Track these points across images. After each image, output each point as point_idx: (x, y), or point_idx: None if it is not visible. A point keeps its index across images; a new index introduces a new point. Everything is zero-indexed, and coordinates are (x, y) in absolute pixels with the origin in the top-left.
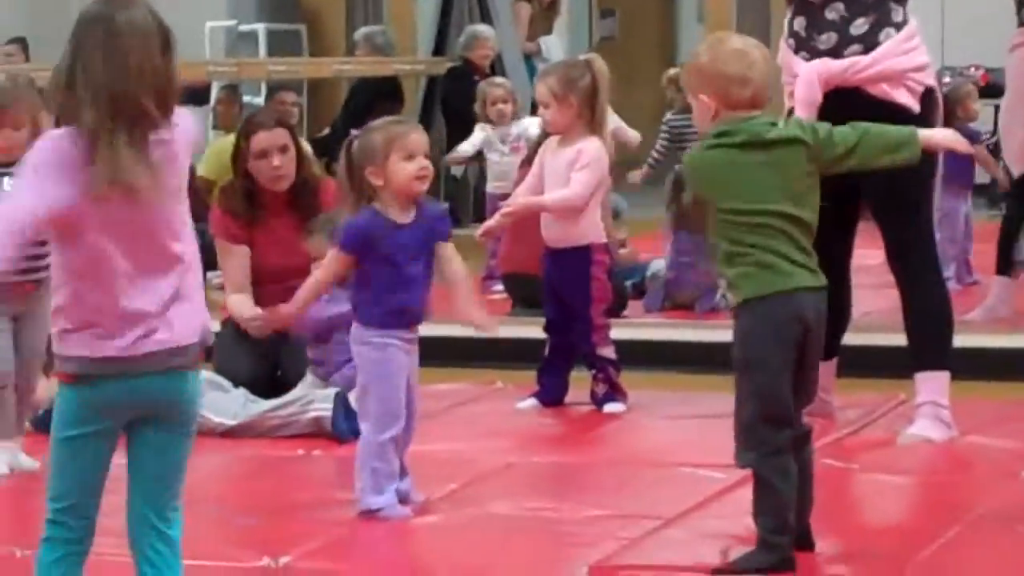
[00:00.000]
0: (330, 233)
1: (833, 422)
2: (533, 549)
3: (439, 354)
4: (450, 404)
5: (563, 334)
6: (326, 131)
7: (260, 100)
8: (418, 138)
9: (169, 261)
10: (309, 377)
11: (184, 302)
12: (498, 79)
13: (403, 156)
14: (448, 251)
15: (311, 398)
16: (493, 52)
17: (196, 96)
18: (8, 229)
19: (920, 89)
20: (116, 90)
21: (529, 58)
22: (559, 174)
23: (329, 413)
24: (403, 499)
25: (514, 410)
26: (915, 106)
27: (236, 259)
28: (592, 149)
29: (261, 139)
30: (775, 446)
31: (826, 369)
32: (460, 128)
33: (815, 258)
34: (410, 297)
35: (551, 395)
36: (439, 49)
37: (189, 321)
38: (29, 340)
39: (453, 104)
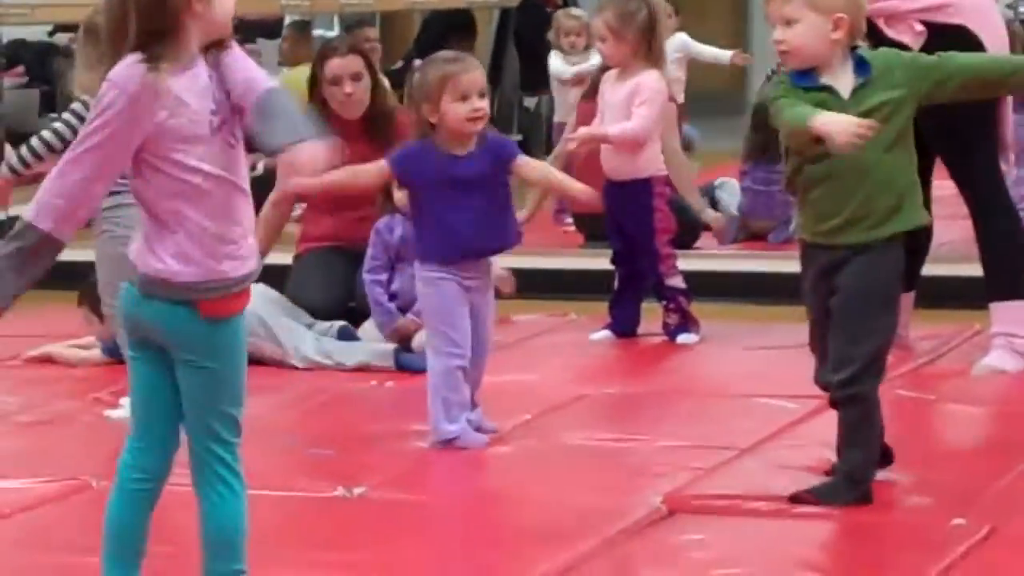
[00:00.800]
0: None
1: (910, 353)
2: (607, 479)
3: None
4: (523, 336)
5: (630, 265)
6: (399, 63)
7: (334, 33)
8: (472, 78)
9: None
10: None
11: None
12: (574, 10)
13: (456, 97)
14: (522, 163)
15: (369, 361)
16: None
17: (267, 29)
18: None
19: (920, 29)
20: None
21: None
22: (618, 108)
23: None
24: (476, 429)
25: (587, 341)
26: (914, 45)
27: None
28: (651, 82)
29: (334, 65)
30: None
31: (904, 301)
32: (533, 61)
33: None
34: (467, 231)
35: (623, 326)
36: None
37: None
38: None
39: (526, 37)
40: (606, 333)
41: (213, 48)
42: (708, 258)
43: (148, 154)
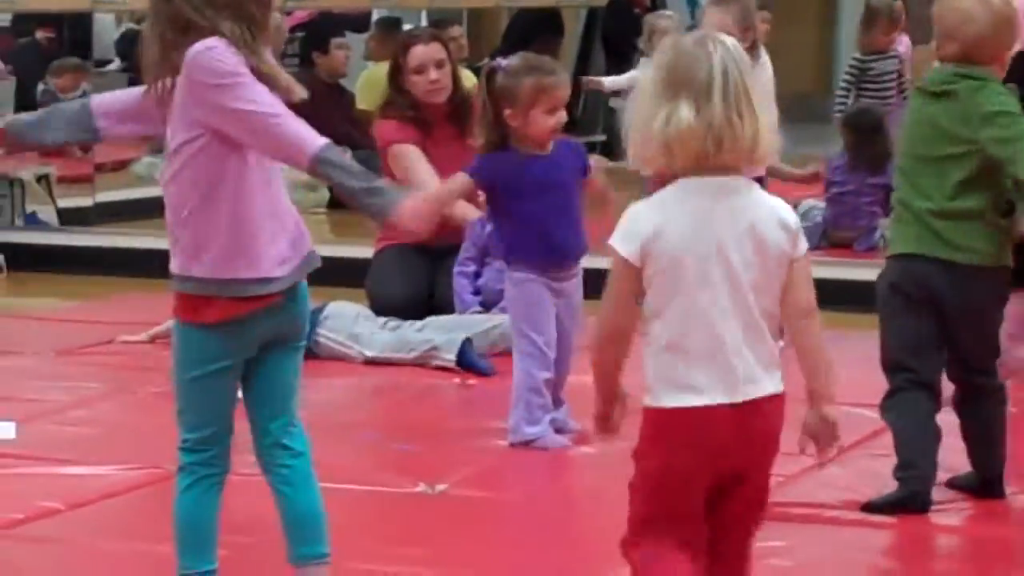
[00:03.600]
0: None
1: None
2: None
3: (599, 285)
4: None
5: None
6: (486, 61)
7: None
8: (564, 93)
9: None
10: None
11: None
12: (667, 11)
13: (546, 109)
14: (592, 173)
15: (436, 344)
16: None
17: (356, 23)
18: None
19: None
20: None
21: None
22: None
23: (452, 363)
24: (559, 429)
25: None
26: None
27: (420, 160)
28: (764, 78)
29: (417, 53)
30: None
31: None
32: (619, 61)
33: None
34: (557, 233)
35: None
36: None
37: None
38: None
39: (613, 37)
40: None
41: None
42: None
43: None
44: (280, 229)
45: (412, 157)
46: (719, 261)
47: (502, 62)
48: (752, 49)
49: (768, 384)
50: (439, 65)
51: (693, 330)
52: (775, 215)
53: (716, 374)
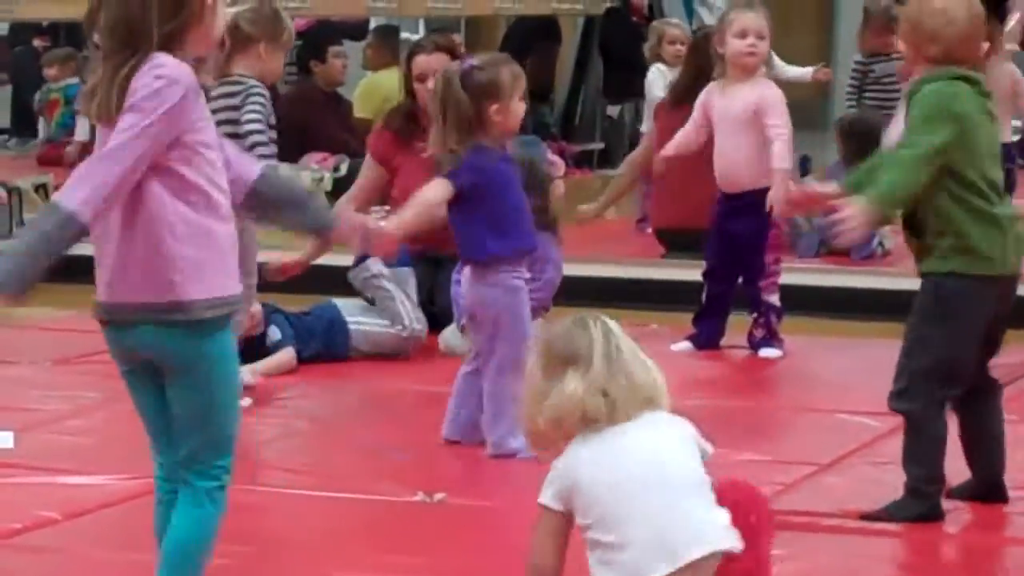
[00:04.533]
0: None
1: None
2: None
3: (593, 294)
4: None
5: (722, 284)
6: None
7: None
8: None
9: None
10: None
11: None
12: (674, 19)
13: (521, 96)
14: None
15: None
16: None
17: (352, 31)
18: None
19: None
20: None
21: None
22: (738, 119)
23: None
24: None
25: (668, 351)
26: None
27: (372, 172)
28: (779, 97)
29: (420, 63)
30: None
31: None
32: (617, 69)
33: None
34: (526, 222)
35: (706, 339)
36: None
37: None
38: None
39: (611, 45)
40: (687, 344)
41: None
42: (792, 272)
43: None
44: (99, 261)
45: (365, 170)
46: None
47: (472, 61)
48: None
49: None
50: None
51: None
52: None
53: None
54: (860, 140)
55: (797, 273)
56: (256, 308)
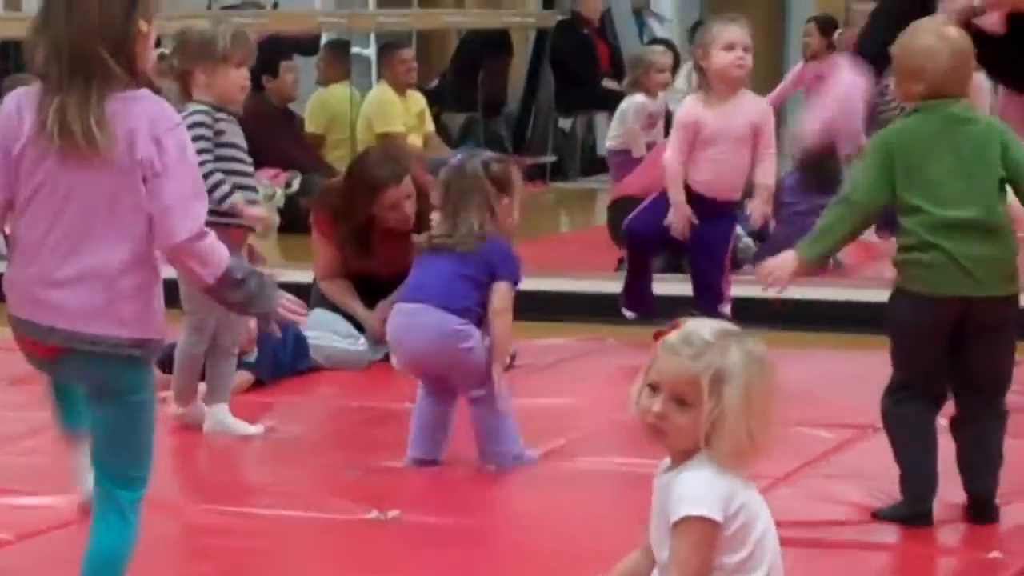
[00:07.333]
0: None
1: None
2: (640, 506)
3: (549, 308)
4: (557, 359)
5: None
6: (435, 82)
7: (370, 52)
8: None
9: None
10: None
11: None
12: (659, 47)
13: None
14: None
15: None
16: (603, 5)
17: (304, 46)
18: None
19: None
20: (73, 41)
21: (639, 13)
22: (734, 134)
23: None
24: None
25: (624, 366)
26: None
27: (326, 251)
28: (770, 115)
29: (391, 195)
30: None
31: None
32: (570, 83)
33: None
34: None
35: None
36: (549, 2)
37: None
38: None
39: (563, 58)
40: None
41: None
42: (746, 284)
43: None
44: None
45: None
46: None
47: (486, 154)
48: None
49: None
50: (409, 196)
51: None
52: None
53: None
54: (813, 151)
55: (747, 286)
56: (252, 326)
